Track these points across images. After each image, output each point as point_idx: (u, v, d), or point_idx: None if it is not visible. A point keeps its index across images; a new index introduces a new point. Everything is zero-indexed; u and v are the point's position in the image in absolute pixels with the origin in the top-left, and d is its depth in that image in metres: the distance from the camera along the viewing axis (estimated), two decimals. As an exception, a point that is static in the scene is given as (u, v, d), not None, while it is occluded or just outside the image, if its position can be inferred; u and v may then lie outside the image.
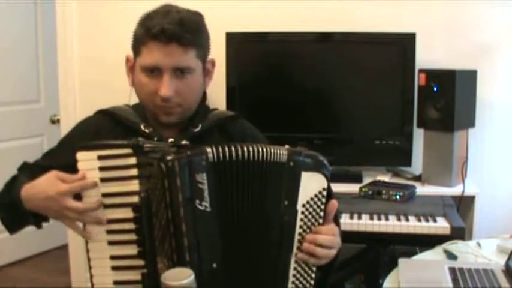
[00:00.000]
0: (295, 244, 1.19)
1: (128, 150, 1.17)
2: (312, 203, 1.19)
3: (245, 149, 1.16)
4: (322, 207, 1.20)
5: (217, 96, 2.41)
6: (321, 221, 1.21)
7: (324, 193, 1.20)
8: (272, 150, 1.18)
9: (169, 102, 1.28)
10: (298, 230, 1.19)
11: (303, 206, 1.19)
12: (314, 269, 1.22)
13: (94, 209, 1.16)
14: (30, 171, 1.35)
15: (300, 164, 1.18)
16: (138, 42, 1.28)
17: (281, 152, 1.18)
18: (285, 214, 1.18)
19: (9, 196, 1.29)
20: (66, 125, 2.84)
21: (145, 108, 1.35)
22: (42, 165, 1.36)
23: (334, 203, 1.22)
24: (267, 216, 1.18)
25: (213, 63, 1.39)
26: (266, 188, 1.18)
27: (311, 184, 1.19)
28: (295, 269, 1.20)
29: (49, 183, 1.18)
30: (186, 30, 1.24)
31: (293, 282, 1.21)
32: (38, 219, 1.28)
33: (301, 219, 1.19)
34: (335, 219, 1.26)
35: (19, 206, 1.24)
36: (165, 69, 1.25)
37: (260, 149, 1.17)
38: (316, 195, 1.19)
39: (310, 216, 1.20)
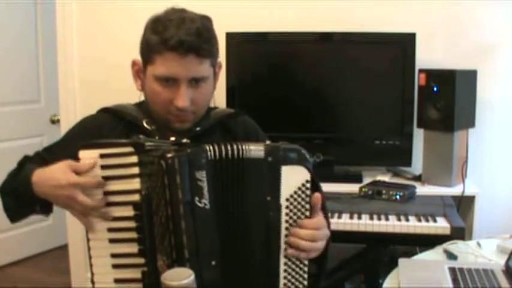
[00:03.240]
0: (283, 239, 1.20)
1: (130, 149, 1.17)
2: (296, 196, 1.20)
3: (229, 147, 1.17)
4: (308, 199, 1.21)
5: (217, 96, 2.39)
6: (307, 213, 1.21)
7: (308, 185, 1.20)
8: (249, 147, 1.19)
9: (185, 111, 1.29)
10: (284, 225, 1.20)
11: (287, 200, 1.19)
12: (306, 262, 1.23)
13: (101, 207, 1.17)
14: (32, 162, 1.34)
15: (279, 159, 1.19)
16: (152, 51, 1.26)
17: (258, 148, 1.19)
18: (269, 210, 1.19)
19: (16, 181, 1.28)
20: (66, 125, 2.84)
21: (157, 114, 1.34)
22: (43, 156, 1.36)
23: (317, 195, 1.22)
24: (253, 213, 1.19)
25: (220, 66, 1.40)
26: (248, 185, 1.19)
27: (293, 178, 1.19)
28: (285, 264, 1.21)
29: (63, 171, 1.18)
30: (203, 42, 1.25)
31: (285, 277, 1.21)
32: (44, 206, 1.27)
33: (287, 214, 1.20)
34: (323, 210, 1.27)
35: (27, 190, 1.23)
36: (181, 80, 1.26)
37: (238, 147, 1.18)
38: (299, 188, 1.20)
39: (295, 210, 1.20)
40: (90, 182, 1.17)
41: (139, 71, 1.34)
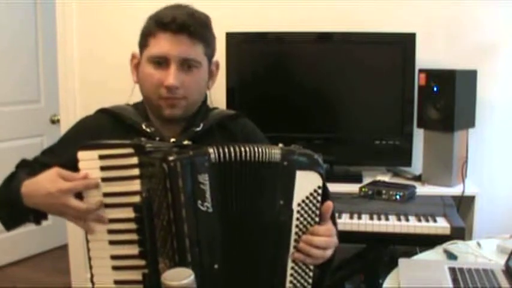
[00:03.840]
0: (292, 243, 1.19)
1: (130, 150, 1.16)
2: (307, 201, 1.19)
3: (242, 149, 1.16)
4: (318, 205, 1.20)
5: (217, 96, 2.38)
6: (317, 219, 1.21)
7: (320, 191, 1.20)
8: (266, 150, 1.18)
9: (175, 93, 1.29)
10: (294, 230, 1.19)
11: (299, 205, 1.19)
12: (311, 267, 1.22)
13: (95, 209, 1.16)
14: (29, 168, 1.34)
15: (294, 163, 1.18)
16: (147, 35, 1.30)
17: (275, 152, 1.18)
18: (280, 214, 1.18)
19: (8, 192, 1.28)
20: (66, 125, 2.83)
21: (149, 102, 1.35)
22: (42, 162, 1.35)
23: (329, 203, 1.22)
24: (263, 217, 1.18)
25: (217, 65, 1.40)
26: (261, 189, 1.18)
27: (306, 183, 1.19)
28: (292, 268, 1.20)
29: (50, 179, 1.17)
30: (196, 23, 1.27)
31: (291, 282, 1.21)
32: (37, 216, 1.27)
33: (297, 219, 1.19)
34: (332, 218, 1.26)
35: (18, 203, 1.22)
36: (173, 59, 1.27)
37: (254, 149, 1.17)
38: (311, 194, 1.19)
39: (306, 215, 1.20)
40: (80, 184, 1.16)
41: (138, 64, 1.36)
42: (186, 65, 1.29)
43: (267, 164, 1.17)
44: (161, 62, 1.28)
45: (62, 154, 1.33)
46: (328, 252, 1.23)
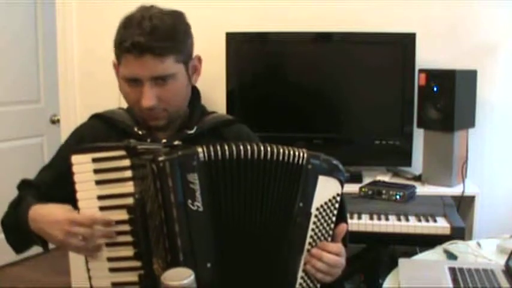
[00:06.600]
0: (306, 246, 1.20)
1: (122, 152, 1.17)
2: (325, 207, 1.20)
3: (241, 148, 1.15)
4: (335, 212, 1.21)
5: (217, 96, 2.41)
6: (332, 225, 1.21)
7: (338, 198, 1.20)
8: (290, 151, 1.18)
9: (154, 110, 1.28)
10: (309, 233, 1.19)
11: (317, 209, 1.19)
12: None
13: (96, 220, 1.16)
14: (33, 188, 1.36)
15: (318, 167, 1.19)
16: (117, 52, 1.28)
17: (300, 155, 1.18)
18: (298, 216, 1.18)
19: (15, 217, 1.29)
20: (66, 125, 2.84)
21: (134, 112, 1.35)
22: (42, 179, 1.38)
23: (343, 226, 1.23)
24: (273, 217, 1.18)
25: (199, 59, 1.37)
26: (273, 188, 1.17)
27: (326, 188, 1.19)
28: (303, 270, 1.21)
29: (62, 209, 1.19)
30: (158, 40, 1.22)
31: (300, 284, 1.21)
32: (45, 241, 1.28)
33: (314, 223, 1.19)
34: (344, 240, 1.26)
35: (25, 227, 1.24)
36: (144, 80, 1.25)
37: (276, 150, 1.17)
38: (330, 200, 1.20)
39: (322, 220, 1.20)
40: (88, 219, 1.16)
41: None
42: (160, 79, 1.26)
43: (291, 164, 1.17)
44: (135, 80, 1.26)
45: (60, 165, 1.34)
46: (335, 270, 1.23)
